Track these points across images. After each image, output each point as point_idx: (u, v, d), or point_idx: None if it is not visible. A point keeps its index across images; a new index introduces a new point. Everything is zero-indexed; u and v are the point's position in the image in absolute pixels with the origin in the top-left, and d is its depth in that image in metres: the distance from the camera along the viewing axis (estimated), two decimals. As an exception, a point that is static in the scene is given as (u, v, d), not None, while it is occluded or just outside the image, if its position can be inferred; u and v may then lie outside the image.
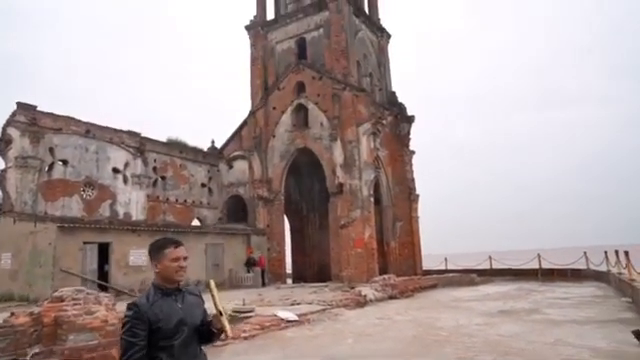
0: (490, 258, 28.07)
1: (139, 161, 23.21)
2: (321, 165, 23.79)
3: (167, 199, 24.64)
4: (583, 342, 7.49)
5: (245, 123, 26.86)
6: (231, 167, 27.12)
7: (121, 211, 21.93)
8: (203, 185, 26.71)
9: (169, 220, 23.87)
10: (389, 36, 28.62)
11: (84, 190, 20.90)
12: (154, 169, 24.18)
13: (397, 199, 25.42)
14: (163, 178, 24.61)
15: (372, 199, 22.72)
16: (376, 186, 23.96)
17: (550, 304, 12.79)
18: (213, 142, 28.10)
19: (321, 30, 25.13)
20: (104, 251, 16.99)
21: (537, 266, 25.93)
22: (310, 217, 29.05)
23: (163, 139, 25.28)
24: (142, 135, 23.70)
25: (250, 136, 26.12)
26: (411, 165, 26.03)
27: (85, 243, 16.31)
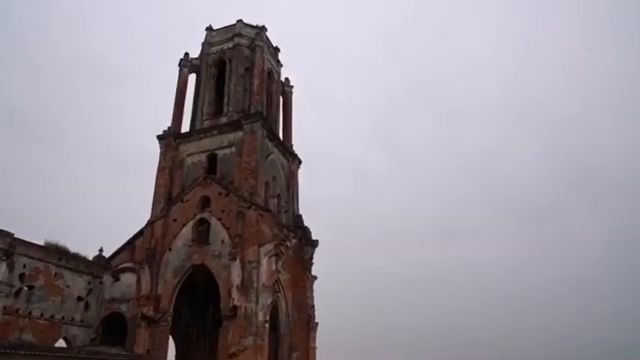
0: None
1: (4, 265, 20.07)
2: (218, 285, 22.29)
3: (29, 313, 21.04)
4: None
5: (141, 233, 25.07)
6: (117, 280, 24.44)
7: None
8: (80, 298, 23.43)
9: (25, 339, 20.11)
10: (300, 162, 29.87)
11: None
12: (21, 276, 20.92)
13: (295, 327, 24.12)
14: (30, 287, 21.28)
15: (267, 325, 21.27)
16: (274, 311, 22.70)
17: None
18: (101, 250, 25.49)
19: (233, 148, 25.57)
20: None
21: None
22: (200, 342, 26.32)
23: (41, 242, 22.48)
24: (14, 236, 20.90)
25: (144, 247, 24.23)
26: (312, 291, 25.39)
27: None
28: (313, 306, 25.06)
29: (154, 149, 27.20)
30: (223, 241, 22.94)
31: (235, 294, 21.21)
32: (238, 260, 21.83)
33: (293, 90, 32.40)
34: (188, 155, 26.71)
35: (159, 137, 27.19)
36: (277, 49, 31.76)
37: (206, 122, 28.05)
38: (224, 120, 27.33)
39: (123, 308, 23.71)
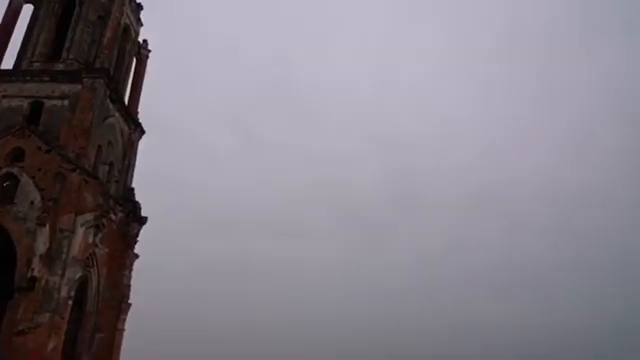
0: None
1: None
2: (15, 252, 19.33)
3: None
4: None
5: None
6: None
7: None
8: None
9: None
10: (143, 132, 27.73)
11: None
12: None
13: (105, 306, 22.26)
14: None
15: (71, 302, 19.22)
16: (82, 288, 20.67)
17: None
18: None
19: (66, 101, 22.55)
20: None
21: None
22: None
23: None
24: None
25: None
26: (131, 270, 23.80)
27: None
28: (129, 286, 23.49)
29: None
30: (33, 203, 20.00)
31: (36, 264, 18.66)
32: (48, 227, 19.27)
33: (150, 55, 29.93)
34: (5, 97, 22.70)
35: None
36: (140, 6, 29.02)
37: (36, 64, 24.14)
38: (60, 67, 23.90)
39: None
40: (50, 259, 18.89)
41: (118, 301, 22.86)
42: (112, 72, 24.63)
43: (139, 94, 28.56)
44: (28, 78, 23.22)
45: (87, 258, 20.32)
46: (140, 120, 27.59)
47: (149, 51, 29.77)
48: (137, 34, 29.10)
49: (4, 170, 20.65)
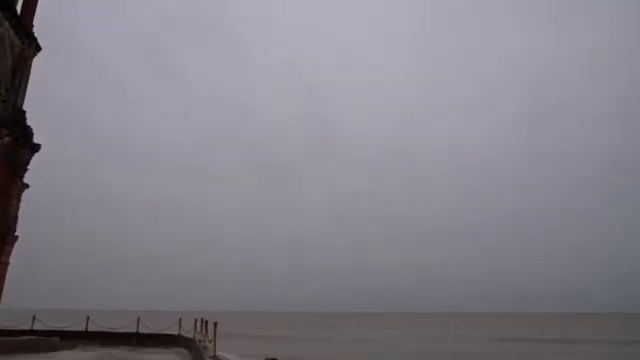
0: (87, 319, 25.81)
1: None
2: None
3: None
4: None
5: None
6: None
7: None
8: None
9: None
10: (39, 48, 24.69)
11: None
12: None
13: (-13, 237, 20.38)
14: None
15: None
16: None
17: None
18: None
19: (-60, 0, 19.19)
20: None
21: (135, 330, 25.52)
22: None
23: None
24: None
25: None
26: (19, 200, 21.83)
27: None
28: (16, 218, 21.63)
29: None
30: None
31: None
32: None
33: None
34: None
35: None
36: None
37: None
38: None
39: None
40: None
41: (3, 232, 21.03)
42: (1, -27, 21.25)
43: (35, 3, 25.09)
44: None
45: (-35, 184, 18.24)
46: (37, 35, 24.42)
47: (49, -45, 25.96)
48: None
49: None
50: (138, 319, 25.06)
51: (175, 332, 25.18)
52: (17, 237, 21.70)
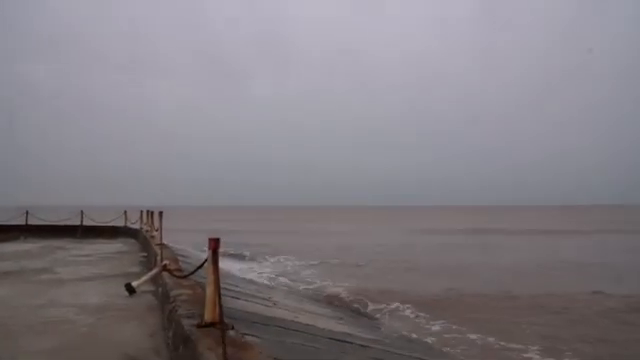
0: (27, 213, 25.22)
1: None
2: None
3: None
4: (76, 300, 7.46)
5: None
6: None
7: None
8: None
9: None
10: None
11: None
12: None
13: None
14: None
15: None
16: None
17: (68, 262, 12.48)
18: None
19: None
20: None
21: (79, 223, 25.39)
22: None
23: None
24: None
25: None
26: None
27: None
28: None
29: None
30: None
31: None
32: None
33: None
34: None
35: None
36: None
37: None
38: None
39: None
40: None
41: None
42: None
43: None
44: None
45: None
46: None
47: None
48: None
49: None
50: (82, 212, 24.78)
51: (121, 224, 25.33)
52: None
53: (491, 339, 9.70)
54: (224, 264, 17.97)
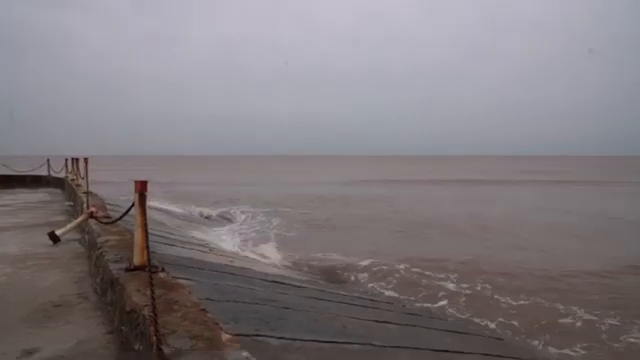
0: None
1: None
2: None
3: None
4: (-8, 250, 6.96)
5: None
6: None
7: None
8: None
9: None
10: None
11: None
12: None
13: None
14: None
15: None
16: None
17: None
18: None
19: None
20: None
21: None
22: None
23: None
24: None
25: None
26: None
27: None
28: None
29: None
30: None
31: None
32: None
33: None
34: None
35: None
36: None
37: None
38: None
39: None
40: None
41: None
42: None
43: None
44: None
45: None
46: None
47: None
48: None
49: None
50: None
51: (44, 173, 23.68)
52: None
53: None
54: (161, 214, 17.40)
